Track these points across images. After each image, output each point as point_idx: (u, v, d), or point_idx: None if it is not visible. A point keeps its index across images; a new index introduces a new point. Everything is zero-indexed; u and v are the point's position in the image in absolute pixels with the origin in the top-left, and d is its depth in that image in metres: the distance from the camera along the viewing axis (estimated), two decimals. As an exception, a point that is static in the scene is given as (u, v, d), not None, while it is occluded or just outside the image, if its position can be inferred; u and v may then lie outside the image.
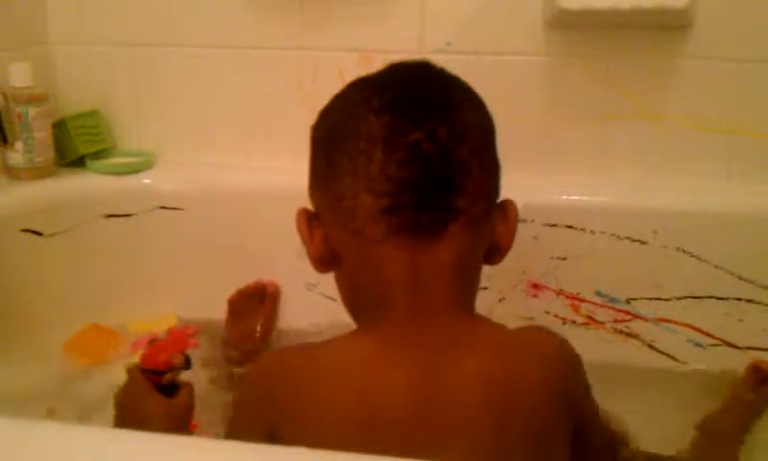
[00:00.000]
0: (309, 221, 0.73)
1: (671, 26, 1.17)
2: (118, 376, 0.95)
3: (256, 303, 1.25)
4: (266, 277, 1.26)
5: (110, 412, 0.86)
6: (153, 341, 0.90)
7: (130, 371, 0.87)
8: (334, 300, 1.25)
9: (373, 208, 0.67)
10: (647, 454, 0.96)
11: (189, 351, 0.87)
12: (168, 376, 0.84)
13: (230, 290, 1.25)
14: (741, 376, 1.06)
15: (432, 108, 0.69)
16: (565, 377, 0.72)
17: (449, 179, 0.67)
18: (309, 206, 0.75)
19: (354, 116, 0.70)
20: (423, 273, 0.68)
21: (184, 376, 0.86)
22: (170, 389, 0.84)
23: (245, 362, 1.17)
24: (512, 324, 1.07)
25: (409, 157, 0.67)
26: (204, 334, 1.21)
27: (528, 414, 0.67)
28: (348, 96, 0.74)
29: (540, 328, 0.78)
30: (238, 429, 0.75)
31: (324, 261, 0.73)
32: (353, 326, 0.76)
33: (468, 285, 0.73)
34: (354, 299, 0.75)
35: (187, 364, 0.85)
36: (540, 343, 0.74)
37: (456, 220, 0.68)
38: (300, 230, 0.73)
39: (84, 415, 1.05)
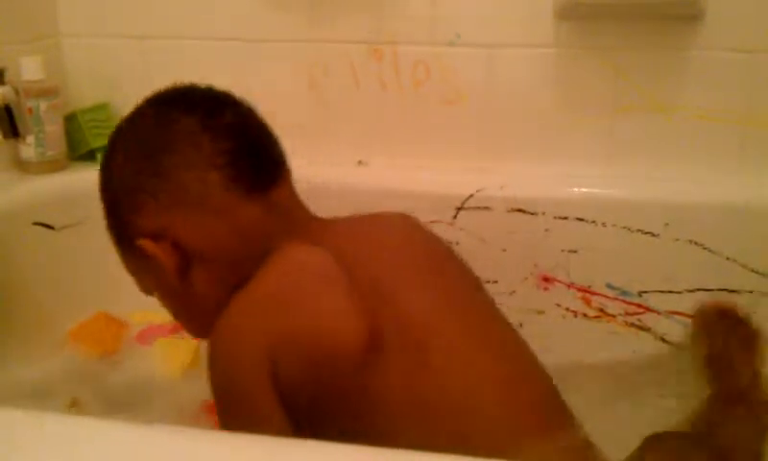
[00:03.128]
0: (155, 242, 0.79)
1: (682, 17, 1.16)
2: (135, 365, 0.98)
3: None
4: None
5: (135, 404, 0.91)
6: None
7: None
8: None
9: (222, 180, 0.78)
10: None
11: None
12: None
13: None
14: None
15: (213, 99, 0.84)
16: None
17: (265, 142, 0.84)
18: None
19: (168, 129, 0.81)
20: (283, 206, 0.82)
21: None
22: None
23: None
24: (522, 317, 1.08)
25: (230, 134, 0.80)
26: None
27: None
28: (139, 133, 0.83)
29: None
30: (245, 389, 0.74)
31: (181, 268, 0.79)
32: None
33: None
34: (230, 272, 0.78)
35: None
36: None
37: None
38: (153, 255, 0.79)
39: (110, 407, 1.06)
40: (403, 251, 0.84)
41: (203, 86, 0.87)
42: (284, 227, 0.81)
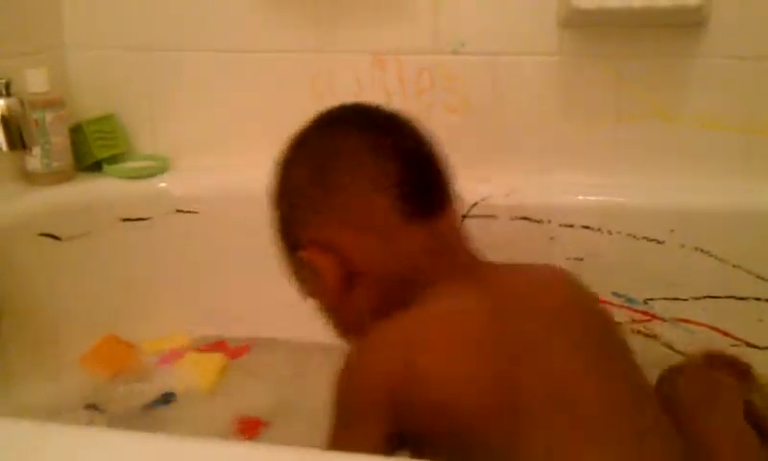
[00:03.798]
0: (320, 254, 0.80)
1: (685, 24, 1.16)
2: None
3: None
4: (280, 279, 1.26)
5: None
6: None
7: None
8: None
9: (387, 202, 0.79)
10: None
11: None
12: None
13: (248, 293, 1.25)
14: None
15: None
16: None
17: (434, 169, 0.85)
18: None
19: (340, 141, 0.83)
20: (444, 238, 0.82)
21: None
22: None
23: None
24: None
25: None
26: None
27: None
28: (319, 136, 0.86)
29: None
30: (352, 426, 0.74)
31: (341, 282, 0.81)
32: None
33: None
34: (385, 294, 0.80)
35: None
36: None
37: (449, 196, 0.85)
38: (316, 267, 0.81)
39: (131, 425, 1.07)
40: (560, 313, 0.80)
41: (375, 105, 0.88)
42: (443, 261, 0.81)
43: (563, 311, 0.80)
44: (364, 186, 0.79)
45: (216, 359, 1.21)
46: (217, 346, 1.26)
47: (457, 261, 0.83)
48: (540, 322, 0.77)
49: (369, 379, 0.74)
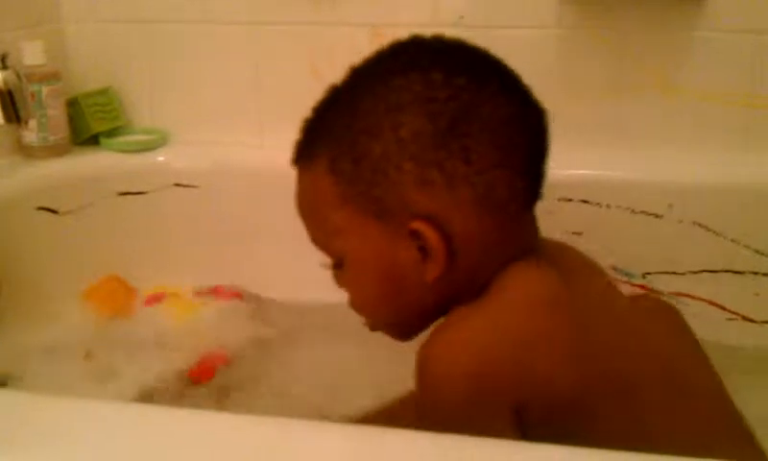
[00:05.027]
0: (433, 229, 0.68)
1: (687, -3, 1.16)
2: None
3: None
4: (278, 253, 1.26)
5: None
6: None
7: None
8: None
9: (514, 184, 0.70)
10: None
11: None
12: None
13: (245, 266, 1.25)
14: None
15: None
16: None
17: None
18: None
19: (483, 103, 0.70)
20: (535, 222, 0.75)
21: None
22: None
23: None
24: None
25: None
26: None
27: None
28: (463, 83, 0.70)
29: None
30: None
31: (446, 261, 0.69)
32: None
33: None
34: (470, 282, 0.70)
35: None
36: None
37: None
38: (424, 240, 0.68)
39: (121, 360, 1.09)
40: (606, 291, 0.78)
41: (502, 61, 0.77)
42: (526, 240, 0.73)
43: (615, 290, 0.78)
44: (496, 161, 0.68)
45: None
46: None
47: (531, 240, 0.75)
48: (622, 302, 0.77)
49: (493, 383, 0.64)
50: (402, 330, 0.77)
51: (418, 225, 0.68)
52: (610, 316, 0.73)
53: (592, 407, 0.66)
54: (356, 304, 0.77)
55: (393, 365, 0.86)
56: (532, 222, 0.75)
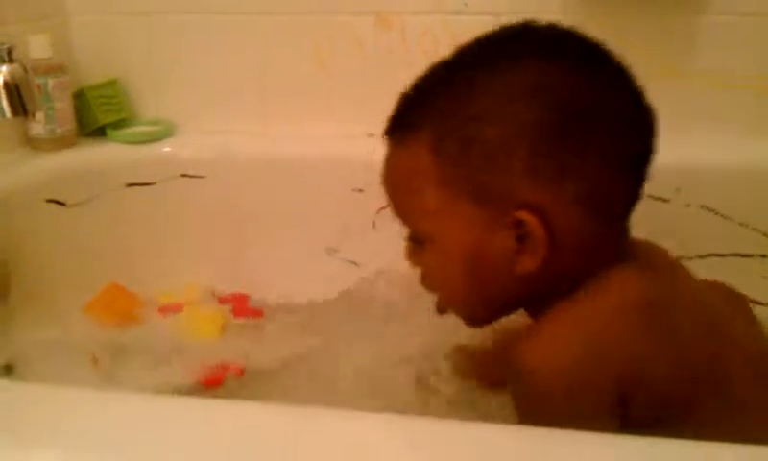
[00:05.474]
0: (540, 221, 0.67)
1: (694, -20, 1.15)
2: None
3: None
4: (286, 241, 1.26)
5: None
6: None
7: None
8: (356, 264, 1.27)
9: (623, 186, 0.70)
10: None
11: None
12: None
13: (253, 255, 1.25)
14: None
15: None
16: None
17: None
18: None
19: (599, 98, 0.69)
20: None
21: None
22: None
23: None
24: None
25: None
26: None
27: None
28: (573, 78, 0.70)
29: None
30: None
31: (546, 255, 0.68)
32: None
33: None
34: (561, 276, 0.69)
35: None
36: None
37: None
38: (534, 231, 0.67)
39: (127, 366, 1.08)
40: (694, 285, 0.79)
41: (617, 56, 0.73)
42: (621, 243, 0.74)
43: (699, 283, 0.79)
44: (608, 159, 0.67)
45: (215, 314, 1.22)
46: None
47: (623, 242, 0.75)
48: (709, 295, 0.78)
49: (599, 382, 0.64)
50: (475, 316, 0.76)
51: (523, 215, 0.66)
52: (700, 309, 0.73)
53: (688, 396, 0.66)
54: (431, 284, 0.77)
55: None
56: (627, 223, 0.74)
